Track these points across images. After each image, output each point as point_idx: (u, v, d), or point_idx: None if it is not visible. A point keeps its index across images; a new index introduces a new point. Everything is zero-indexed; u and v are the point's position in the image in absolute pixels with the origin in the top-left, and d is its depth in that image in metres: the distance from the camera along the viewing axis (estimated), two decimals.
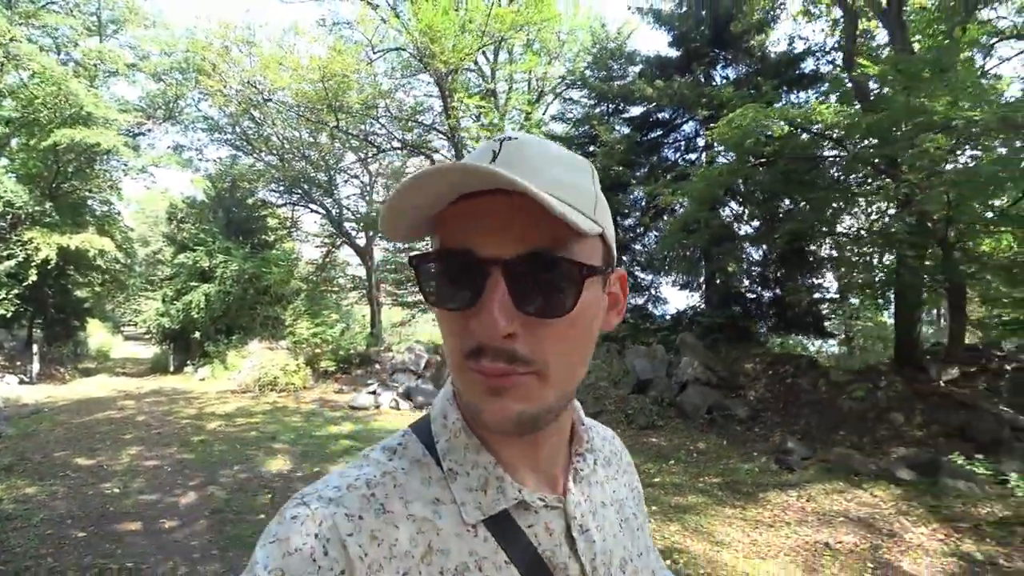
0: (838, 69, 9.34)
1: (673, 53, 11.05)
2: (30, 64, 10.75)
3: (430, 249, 0.40)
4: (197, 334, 14.42)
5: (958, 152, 6.74)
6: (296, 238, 22.33)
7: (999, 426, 5.34)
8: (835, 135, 6.63)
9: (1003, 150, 5.88)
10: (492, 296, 0.36)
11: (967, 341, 7.93)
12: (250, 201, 17.19)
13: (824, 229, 8.74)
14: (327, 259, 21.11)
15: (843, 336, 11.73)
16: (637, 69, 11.61)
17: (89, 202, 14.94)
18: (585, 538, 0.46)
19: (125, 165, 13.95)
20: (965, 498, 4.27)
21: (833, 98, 7.87)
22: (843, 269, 8.88)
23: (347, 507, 0.39)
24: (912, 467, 4.81)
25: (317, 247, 22.75)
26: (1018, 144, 5.64)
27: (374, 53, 11.76)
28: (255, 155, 18.23)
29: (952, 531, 3.75)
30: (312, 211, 19.90)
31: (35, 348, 13.50)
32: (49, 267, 11.90)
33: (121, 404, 8.54)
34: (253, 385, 10.09)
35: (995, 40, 8.38)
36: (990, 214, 6.89)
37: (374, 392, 8.61)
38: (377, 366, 10.18)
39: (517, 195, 0.34)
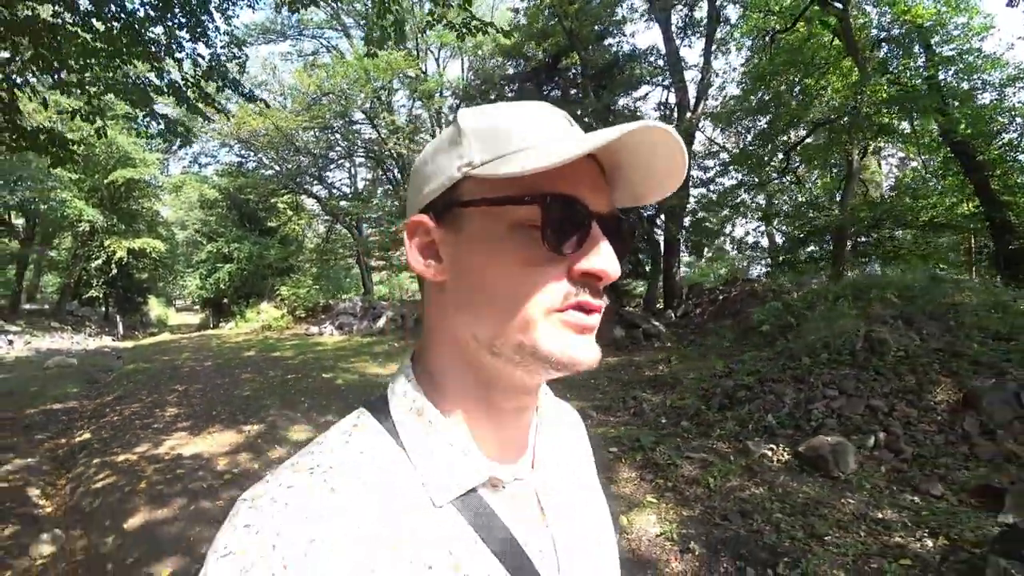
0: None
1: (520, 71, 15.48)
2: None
3: (535, 194, 0.38)
4: (225, 300, 20.54)
5: None
6: (303, 217, 27.99)
7: (608, 330, 10.20)
8: None
9: None
10: (605, 243, 0.40)
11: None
12: (254, 195, 22.30)
13: None
14: (329, 233, 26.60)
15: None
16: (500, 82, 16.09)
17: (138, 210, 20.82)
18: (554, 509, 0.47)
19: (159, 186, 19.62)
20: None
21: None
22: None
23: (304, 506, 0.37)
24: None
25: (322, 224, 28.38)
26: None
27: (310, 99, 16.70)
28: (255, 158, 23.54)
29: None
30: (309, 196, 25.30)
31: (118, 317, 19.91)
32: (122, 262, 17.93)
33: (180, 343, 14.52)
34: (258, 329, 15.94)
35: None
36: None
37: (323, 327, 14.24)
38: (334, 312, 15.78)
39: (597, 161, 0.42)
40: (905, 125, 11.93)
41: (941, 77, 9.96)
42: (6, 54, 4.67)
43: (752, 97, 12.99)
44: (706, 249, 13.96)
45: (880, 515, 2.98)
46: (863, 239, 12.65)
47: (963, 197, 11.28)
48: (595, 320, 0.41)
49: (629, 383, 6.05)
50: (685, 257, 17.10)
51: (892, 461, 3.79)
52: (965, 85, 10.24)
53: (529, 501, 0.46)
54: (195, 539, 2.86)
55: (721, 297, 12.02)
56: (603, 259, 0.40)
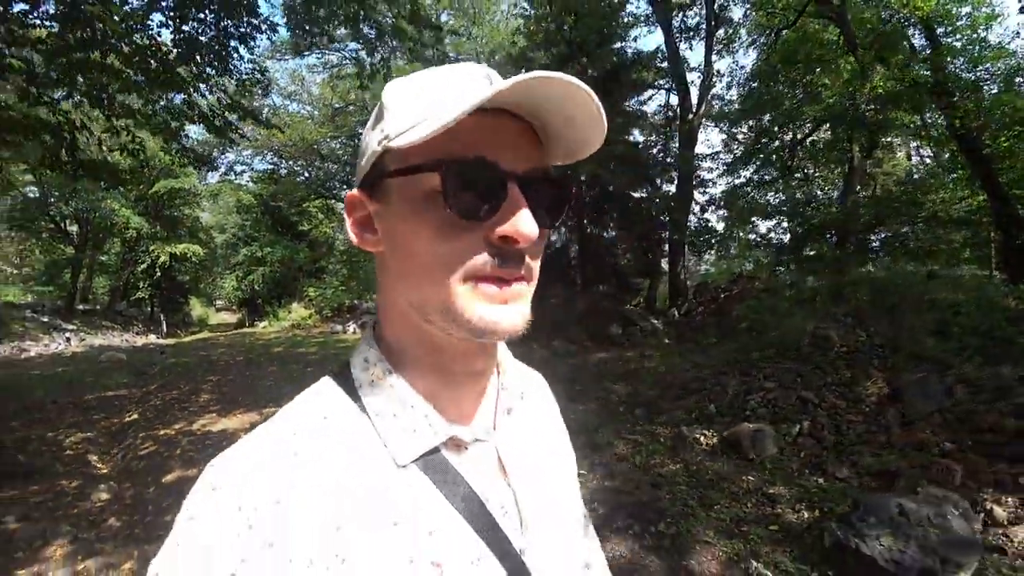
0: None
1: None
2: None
3: (435, 159, 0.37)
4: (259, 300, 21.92)
5: None
6: (334, 220, 29.32)
7: (607, 327, 10.71)
8: None
9: None
10: (521, 204, 0.38)
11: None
12: (285, 203, 23.64)
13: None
14: None
15: None
16: None
17: (180, 217, 22.42)
18: (517, 470, 0.48)
19: (199, 193, 21.18)
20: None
21: None
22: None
23: (269, 468, 0.38)
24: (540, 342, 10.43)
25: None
26: None
27: (334, 110, 17.77)
28: (287, 166, 24.92)
29: None
30: (338, 200, 26.54)
31: (162, 317, 21.54)
32: (166, 266, 19.49)
33: (217, 340, 15.82)
34: (288, 327, 17.11)
35: None
36: None
37: (347, 325, 15.23)
38: (358, 311, 16.78)
39: (521, 119, 0.40)
40: (917, 119, 11.86)
41: (948, 69, 9.95)
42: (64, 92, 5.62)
43: (764, 94, 13.03)
44: (724, 247, 14.17)
45: (772, 491, 3.50)
46: (874, 236, 12.62)
47: (971, 191, 11.18)
48: (518, 289, 0.41)
49: (606, 376, 6.61)
50: (708, 256, 17.29)
51: (812, 447, 4.27)
52: (974, 76, 10.22)
53: (491, 461, 0.47)
54: None
55: (722, 296, 12.31)
56: (517, 221, 0.38)
